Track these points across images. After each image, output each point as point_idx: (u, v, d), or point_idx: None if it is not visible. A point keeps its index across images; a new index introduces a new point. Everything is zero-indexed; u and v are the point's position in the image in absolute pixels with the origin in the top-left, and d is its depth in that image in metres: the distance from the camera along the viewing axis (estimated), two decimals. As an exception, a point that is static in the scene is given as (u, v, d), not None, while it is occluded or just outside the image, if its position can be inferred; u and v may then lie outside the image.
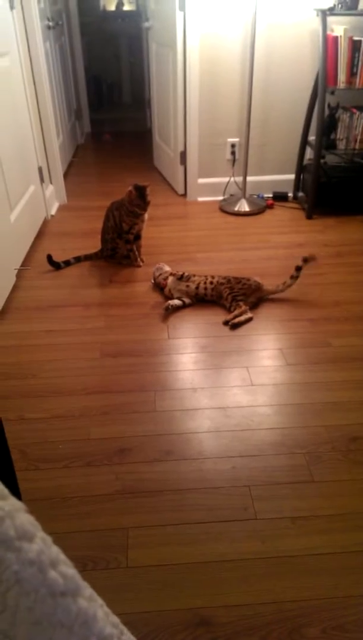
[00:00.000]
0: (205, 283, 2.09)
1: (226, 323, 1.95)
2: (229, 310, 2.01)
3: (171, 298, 2.10)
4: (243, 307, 1.98)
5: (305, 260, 2.04)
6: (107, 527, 1.19)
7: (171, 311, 2.04)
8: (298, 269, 2.04)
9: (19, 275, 2.30)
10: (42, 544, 0.32)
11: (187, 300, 2.08)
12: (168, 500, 1.26)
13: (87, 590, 0.34)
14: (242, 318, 1.96)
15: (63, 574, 0.32)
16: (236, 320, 1.94)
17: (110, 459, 1.38)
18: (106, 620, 0.36)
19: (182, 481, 1.31)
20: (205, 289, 2.08)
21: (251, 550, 1.14)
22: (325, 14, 2.52)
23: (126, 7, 5.90)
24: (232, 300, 2.01)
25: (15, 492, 1.01)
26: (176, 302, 2.06)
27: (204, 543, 1.16)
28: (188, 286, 2.10)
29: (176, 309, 2.06)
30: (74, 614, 0.32)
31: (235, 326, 1.94)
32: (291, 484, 1.29)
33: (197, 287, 2.09)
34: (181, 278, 2.11)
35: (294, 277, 2.05)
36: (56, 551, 0.33)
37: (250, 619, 1.01)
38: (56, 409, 1.55)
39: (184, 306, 2.07)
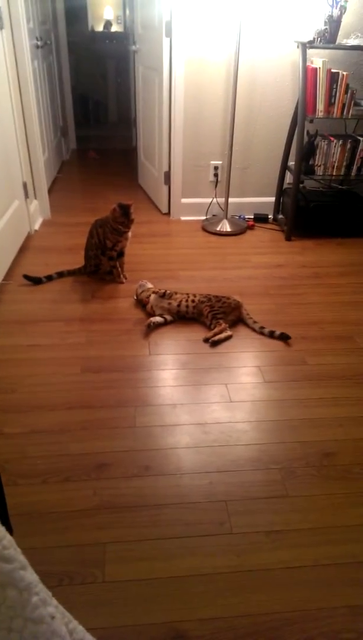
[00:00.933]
0: (186, 301, 2.13)
1: (206, 340, 1.99)
2: (209, 328, 2.05)
3: (153, 315, 2.13)
4: (223, 325, 2.02)
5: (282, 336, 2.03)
6: (85, 543, 1.20)
7: (152, 328, 2.07)
8: (271, 333, 2.03)
9: (1, 289, 2.31)
10: None
11: (169, 318, 2.12)
12: (145, 515, 1.27)
13: (22, 583, 0.40)
14: (222, 336, 2.00)
15: None
16: (216, 337, 1.99)
17: (89, 474, 1.39)
18: (43, 607, 0.41)
19: (160, 496, 1.33)
20: (186, 306, 2.12)
21: (226, 564, 1.16)
22: (305, 46, 2.65)
23: (114, 28, 6.04)
24: (212, 318, 2.05)
25: (2, 507, 1.02)
26: (158, 319, 2.09)
27: (180, 558, 1.17)
28: (169, 304, 2.14)
29: (158, 325, 2.09)
30: (2, 599, 0.40)
31: (214, 343, 1.98)
32: (266, 498, 1.32)
33: (179, 305, 2.13)
34: (163, 295, 2.15)
35: (263, 332, 2.06)
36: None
37: (224, 632, 1.03)
38: (35, 424, 1.56)
39: (165, 323, 2.11)
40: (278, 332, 2.02)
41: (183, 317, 2.14)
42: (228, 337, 2.01)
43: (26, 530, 1.23)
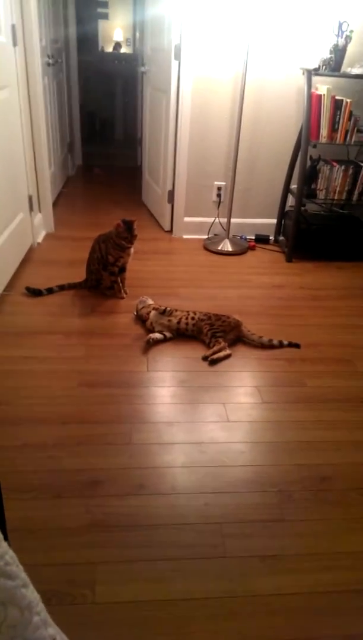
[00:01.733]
0: (186, 318, 2.13)
1: (204, 358, 1.99)
2: (208, 346, 2.04)
3: (153, 331, 2.13)
4: (222, 344, 2.02)
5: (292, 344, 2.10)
6: (75, 562, 1.17)
7: (151, 344, 2.07)
8: (280, 343, 2.09)
9: (1, 300, 2.31)
10: None
11: (168, 334, 2.12)
12: (138, 535, 1.25)
13: (24, 601, 0.40)
14: (221, 354, 1.99)
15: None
16: (215, 356, 1.98)
17: (81, 491, 1.36)
18: (43, 628, 0.41)
19: (154, 516, 1.30)
20: (186, 324, 2.12)
21: (219, 588, 1.13)
22: (310, 73, 2.71)
23: (123, 50, 6.19)
24: (211, 336, 2.05)
25: (1, 520, 1.00)
26: (158, 335, 2.09)
27: (173, 580, 1.15)
28: (169, 320, 2.13)
29: (157, 342, 2.08)
30: (2, 618, 0.39)
31: (213, 362, 1.97)
32: (262, 522, 1.30)
33: (178, 322, 2.13)
34: (163, 312, 2.15)
35: (273, 344, 2.09)
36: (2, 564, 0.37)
37: (215, 661, 1.00)
38: (29, 437, 1.54)
39: (165, 340, 2.10)
40: (286, 342, 2.09)
41: (183, 334, 2.14)
42: (227, 356, 2.01)
43: (15, 547, 1.19)
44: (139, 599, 1.10)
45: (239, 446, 1.55)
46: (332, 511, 1.34)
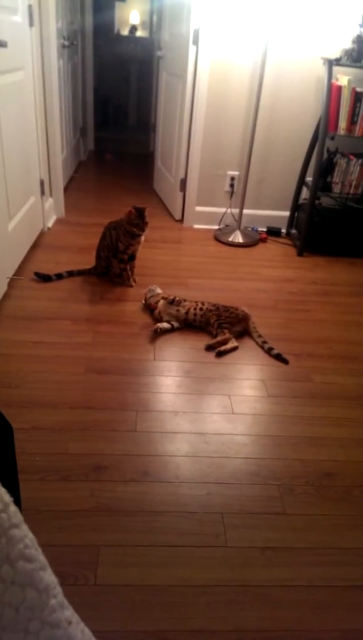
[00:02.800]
0: (195, 309, 2.13)
1: (208, 348, 1.99)
2: (214, 337, 2.05)
3: (161, 320, 2.13)
4: (227, 335, 2.02)
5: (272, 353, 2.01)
6: (79, 543, 1.19)
7: (159, 334, 2.07)
8: (269, 350, 2.01)
9: (11, 284, 2.32)
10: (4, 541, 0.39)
11: (176, 324, 2.12)
12: (141, 521, 1.27)
13: (41, 584, 0.42)
14: (228, 346, 2.00)
15: (17, 569, 0.40)
16: (222, 348, 1.98)
17: (86, 475, 1.38)
18: (60, 611, 0.43)
19: (156, 503, 1.32)
20: (194, 314, 2.12)
21: (219, 577, 1.15)
22: (331, 63, 2.66)
23: (139, 33, 6.10)
24: (218, 327, 2.05)
25: (17, 497, 1.01)
26: (165, 325, 2.09)
27: (173, 566, 1.16)
28: (178, 310, 2.13)
29: (165, 332, 2.09)
30: (21, 599, 0.40)
31: (220, 354, 1.97)
32: (263, 514, 1.31)
33: (187, 313, 2.13)
34: (172, 302, 2.15)
35: (263, 347, 2.05)
36: (18, 549, 0.39)
37: (213, 647, 1.02)
38: (36, 420, 1.56)
39: (172, 329, 2.11)
40: (275, 351, 1.99)
41: (191, 324, 2.14)
42: (234, 349, 2.01)
43: (20, 528, 1.22)
44: (139, 583, 1.12)
45: (243, 438, 1.56)
46: (334, 507, 1.35)
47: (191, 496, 1.35)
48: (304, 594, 1.13)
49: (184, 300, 2.18)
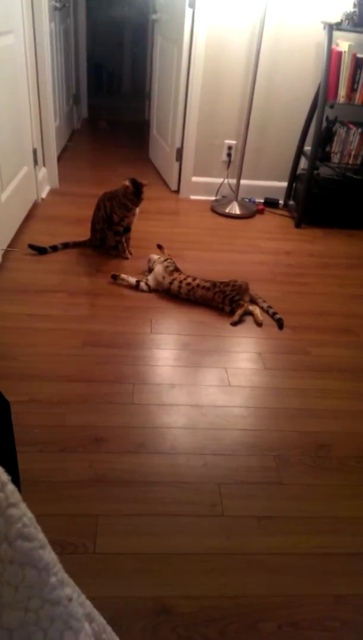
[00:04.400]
0: (181, 282, 2.11)
1: (235, 324, 2.00)
2: (230, 314, 2.03)
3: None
4: (245, 306, 2.04)
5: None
6: (78, 513, 1.21)
7: (116, 280, 2.17)
8: (274, 314, 2.07)
9: (5, 256, 2.28)
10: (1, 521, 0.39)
11: (151, 287, 2.16)
12: (138, 491, 1.28)
13: (41, 562, 0.42)
14: (257, 312, 2.04)
15: (15, 548, 0.40)
16: (255, 319, 2.03)
17: (85, 446, 1.39)
18: (60, 589, 0.43)
19: (154, 474, 1.33)
20: (179, 287, 2.10)
21: (216, 545, 1.17)
22: (331, 28, 2.57)
23: (134, -5, 5.85)
24: (231, 302, 2.04)
25: (15, 474, 1.02)
26: (130, 278, 2.16)
27: (171, 535, 1.18)
28: (163, 277, 2.14)
29: (127, 284, 2.17)
30: (20, 578, 0.40)
31: (259, 324, 2.01)
32: (260, 484, 1.33)
33: (171, 283, 2.12)
34: (166, 266, 2.18)
35: (267, 311, 2.09)
36: (17, 528, 0.40)
37: (209, 611, 1.04)
38: (34, 393, 1.55)
39: (137, 288, 2.15)
40: (278, 316, 2.05)
41: (175, 295, 2.13)
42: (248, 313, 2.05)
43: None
44: (138, 551, 1.14)
45: (239, 410, 1.57)
46: (330, 477, 1.37)
47: (188, 467, 1.36)
48: (299, 561, 1.15)
49: (177, 271, 2.16)
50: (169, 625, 1.01)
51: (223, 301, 2.05)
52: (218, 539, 1.19)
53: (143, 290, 2.15)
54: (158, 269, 2.17)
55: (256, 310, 2.04)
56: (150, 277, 2.16)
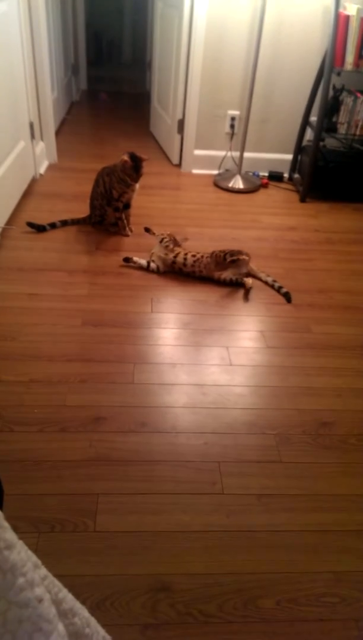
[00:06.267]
0: (186, 254, 2.09)
1: (248, 292, 2.01)
2: (224, 259, 2.03)
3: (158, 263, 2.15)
4: (249, 281, 2.04)
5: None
6: (78, 492, 1.22)
7: (128, 263, 2.14)
8: (279, 288, 2.06)
9: (3, 234, 2.25)
10: None
11: (160, 267, 2.12)
12: (138, 470, 1.29)
13: (6, 564, 0.41)
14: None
15: None
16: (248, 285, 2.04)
17: (85, 426, 1.39)
18: (29, 590, 0.42)
19: (154, 453, 1.33)
20: (185, 259, 2.08)
21: (215, 523, 1.18)
22: (339, -11, 2.45)
23: None
24: (231, 256, 2.02)
25: None
26: (141, 260, 2.12)
27: (171, 513, 1.19)
28: (166, 254, 2.11)
29: (138, 266, 2.13)
30: None
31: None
32: (260, 462, 1.33)
33: (176, 256, 2.10)
34: (161, 241, 2.14)
35: (273, 286, 2.08)
36: None
37: (208, 588, 1.05)
38: (34, 373, 1.55)
39: (147, 269, 2.12)
40: (284, 290, 2.04)
41: (180, 271, 2.10)
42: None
43: (20, 477, 1.24)
44: (138, 530, 1.15)
45: (240, 389, 1.56)
46: (330, 455, 1.36)
47: (189, 446, 1.36)
48: (298, 538, 1.16)
49: (179, 247, 2.13)
50: (169, 602, 1.02)
51: (224, 257, 2.03)
52: (218, 516, 1.20)
53: (153, 271, 2.11)
54: (157, 249, 2.14)
55: (249, 280, 2.05)
56: (156, 259, 2.13)
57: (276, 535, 1.16)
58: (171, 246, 2.12)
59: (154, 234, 2.23)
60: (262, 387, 1.58)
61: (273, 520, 1.19)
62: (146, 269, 2.12)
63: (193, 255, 2.08)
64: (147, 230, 2.28)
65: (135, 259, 2.13)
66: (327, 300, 2.03)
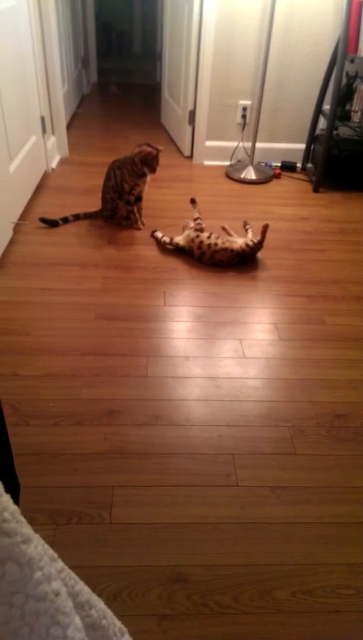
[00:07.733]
0: (217, 237, 2.13)
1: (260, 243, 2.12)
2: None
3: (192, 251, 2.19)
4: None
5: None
6: (94, 485, 1.23)
7: (154, 237, 2.26)
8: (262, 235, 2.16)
9: (16, 229, 2.27)
10: None
11: (181, 244, 2.18)
12: (153, 462, 1.30)
13: (23, 558, 0.41)
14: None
15: None
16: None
17: (100, 419, 1.40)
18: (46, 584, 0.42)
19: (168, 446, 1.34)
20: (216, 242, 2.11)
21: (230, 515, 1.19)
22: (352, -27, 2.39)
23: None
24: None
25: (6, 445, 1.04)
26: (166, 237, 2.21)
27: (185, 505, 1.20)
28: (197, 236, 2.14)
29: (162, 242, 2.22)
30: (1, 574, 0.40)
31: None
32: (274, 455, 1.33)
33: (208, 237, 2.13)
34: (195, 219, 2.25)
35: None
36: None
37: (224, 579, 1.06)
38: (48, 367, 1.57)
39: (170, 244, 2.20)
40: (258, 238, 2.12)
41: (202, 254, 2.12)
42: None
43: (37, 470, 1.26)
44: (153, 521, 1.16)
45: (254, 382, 1.56)
46: (345, 447, 1.36)
47: (203, 438, 1.37)
48: (313, 530, 1.16)
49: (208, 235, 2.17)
50: (184, 593, 1.03)
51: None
52: (233, 508, 1.20)
53: (165, 244, 2.22)
54: (189, 231, 2.20)
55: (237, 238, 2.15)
56: (181, 237, 2.20)
57: (291, 527, 1.16)
58: (204, 226, 2.19)
59: (196, 207, 2.35)
60: (276, 380, 1.57)
61: (288, 512, 1.19)
62: (164, 243, 2.21)
63: (223, 243, 2.11)
64: (193, 201, 2.39)
65: (157, 233, 2.28)
66: (341, 291, 2.01)
